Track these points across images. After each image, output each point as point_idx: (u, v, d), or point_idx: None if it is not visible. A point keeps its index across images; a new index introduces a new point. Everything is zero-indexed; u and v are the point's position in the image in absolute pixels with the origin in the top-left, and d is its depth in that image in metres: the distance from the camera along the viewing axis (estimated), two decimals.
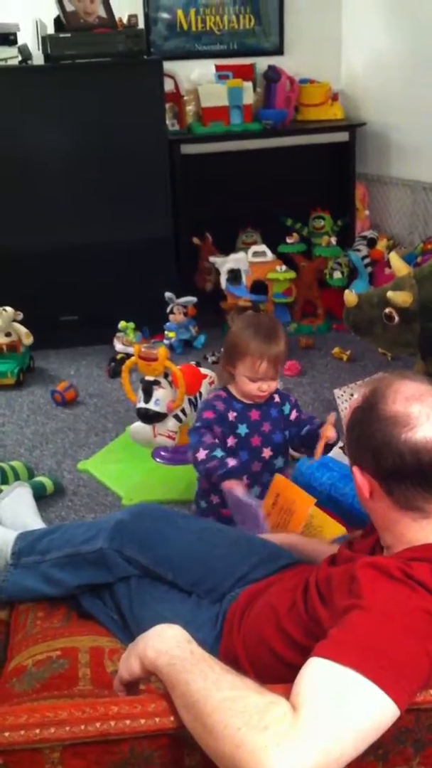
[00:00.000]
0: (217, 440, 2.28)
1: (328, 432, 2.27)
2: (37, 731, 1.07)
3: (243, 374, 2.29)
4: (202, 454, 2.22)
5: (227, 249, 4.65)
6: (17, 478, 2.91)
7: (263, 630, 1.42)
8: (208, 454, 2.22)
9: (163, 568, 1.70)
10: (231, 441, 2.33)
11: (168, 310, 4.26)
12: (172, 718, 1.09)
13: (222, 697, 1.03)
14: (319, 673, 1.06)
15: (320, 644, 1.10)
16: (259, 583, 1.63)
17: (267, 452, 2.37)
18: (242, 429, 2.34)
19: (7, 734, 1.07)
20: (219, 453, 2.21)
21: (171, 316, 4.28)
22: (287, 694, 1.04)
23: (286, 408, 2.40)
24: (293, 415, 2.41)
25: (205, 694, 1.05)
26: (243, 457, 2.33)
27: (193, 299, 4.27)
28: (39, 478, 2.94)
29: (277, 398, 2.41)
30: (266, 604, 1.49)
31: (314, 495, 2.43)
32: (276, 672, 1.28)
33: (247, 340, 2.25)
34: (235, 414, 2.34)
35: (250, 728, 0.97)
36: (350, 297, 3.06)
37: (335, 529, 2.12)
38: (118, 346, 4.15)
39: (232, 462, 2.18)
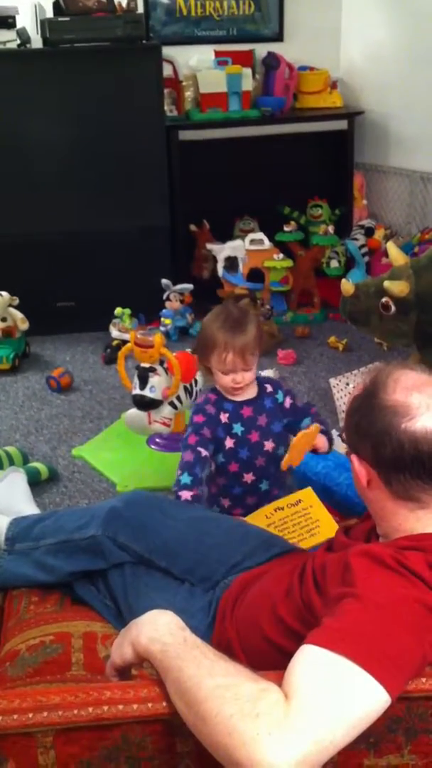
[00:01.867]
0: (198, 454, 2.22)
1: (319, 444, 2.22)
2: (30, 715, 1.07)
3: (215, 367, 2.25)
4: (177, 472, 2.21)
5: (224, 237, 4.64)
6: (12, 463, 2.90)
7: (257, 616, 1.43)
8: (178, 476, 2.19)
9: (157, 555, 1.70)
10: (229, 442, 2.29)
11: (164, 297, 4.26)
12: (164, 704, 1.09)
13: (214, 684, 1.04)
14: (311, 661, 1.06)
15: (313, 632, 1.10)
16: (252, 570, 1.63)
17: (269, 445, 2.33)
18: (237, 428, 2.30)
19: (0, 718, 1.07)
20: (184, 479, 2.17)
21: (167, 303, 4.28)
22: (280, 682, 1.05)
23: (280, 396, 2.38)
24: (287, 402, 2.38)
25: (197, 681, 1.05)
26: (243, 454, 2.30)
27: (189, 286, 4.27)
28: (33, 464, 2.93)
29: (269, 388, 2.37)
30: (261, 590, 1.50)
31: (308, 484, 2.44)
32: (269, 658, 1.29)
33: (214, 332, 2.21)
34: (227, 414, 2.30)
35: (242, 715, 0.98)
36: (347, 286, 3.05)
37: (330, 527, 2.09)
38: (114, 332, 4.14)
39: (185, 495, 2.13)
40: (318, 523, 2.09)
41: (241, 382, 2.25)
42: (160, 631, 1.16)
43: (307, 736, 0.96)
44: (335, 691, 1.01)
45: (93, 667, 1.52)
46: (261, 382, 2.37)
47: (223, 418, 2.29)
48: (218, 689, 1.03)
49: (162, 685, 1.11)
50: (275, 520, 2.15)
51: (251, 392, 2.32)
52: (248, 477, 2.32)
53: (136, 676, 1.29)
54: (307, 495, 2.17)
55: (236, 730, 0.97)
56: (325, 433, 2.30)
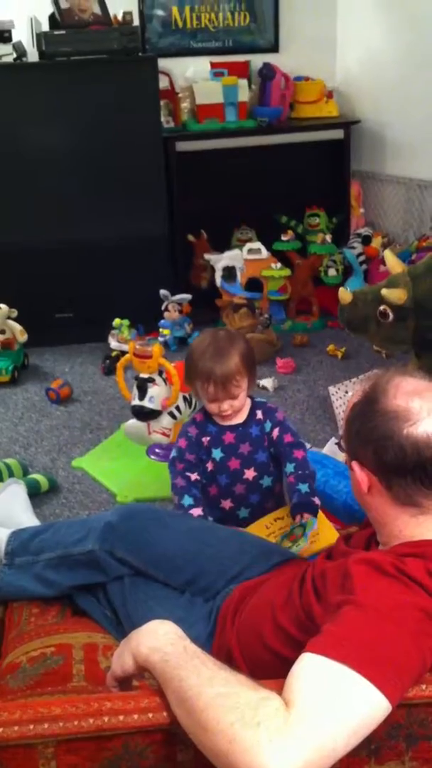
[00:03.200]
0: (188, 479, 2.19)
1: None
2: (31, 727, 1.07)
3: (200, 395, 2.20)
4: (174, 498, 2.19)
5: (222, 246, 4.65)
6: (11, 475, 2.90)
7: (258, 625, 1.43)
8: (178, 500, 2.17)
9: (155, 568, 1.70)
10: (209, 465, 2.23)
11: (163, 307, 4.26)
12: (165, 714, 1.09)
13: (215, 693, 1.04)
14: (311, 669, 1.06)
15: (313, 640, 1.11)
16: (252, 579, 1.63)
17: (250, 473, 2.24)
18: (217, 453, 2.22)
19: (0, 730, 1.07)
20: (186, 501, 2.15)
21: (166, 314, 4.28)
22: (280, 690, 1.05)
23: (268, 425, 2.25)
24: (274, 433, 2.25)
25: (198, 690, 1.05)
26: (222, 480, 2.23)
27: (188, 297, 4.27)
28: (33, 476, 2.93)
29: (259, 414, 2.26)
30: (261, 599, 1.50)
31: None
32: (270, 667, 1.29)
33: (196, 361, 2.15)
34: (208, 438, 2.22)
35: (243, 724, 0.98)
36: (345, 294, 3.06)
37: (330, 534, 2.09)
38: (113, 343, 4.14)
39: (196, 512, 2.12)
40: (318, 531, 2.09)
41: (228, 410, 2.17)
42: (160, 640, 1.17)
43: (308, 744, 0.96)
44: (336, 699, 1.02)
45: (94, 678, 1.52)
46: (255, 406, 2.27)
47: (204, 441, 2.23)
48: (219, 698, 1.03)
49: (162, 694, 1.11)
50: (275, 530, 2.15)
51: (240, 417, 2.24)
52: (226, 503, 2.26)
53: (136, 687, 1.29)
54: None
55: (237, 738, 0.97)
56: (308, 504, 2.15)
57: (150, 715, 1.09)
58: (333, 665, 1.05)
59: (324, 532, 2.09)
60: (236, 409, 2.19)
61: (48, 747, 1.09)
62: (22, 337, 3.93)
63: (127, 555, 1.71)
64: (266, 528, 2.14)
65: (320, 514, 2.14)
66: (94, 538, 1.74)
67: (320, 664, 1.06)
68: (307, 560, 1.73)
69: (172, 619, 1.23)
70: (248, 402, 2.26)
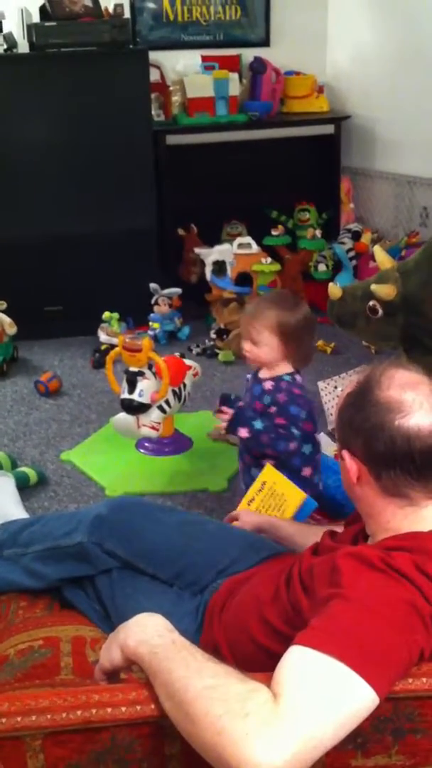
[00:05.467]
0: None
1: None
2: (19, 719, 1.07)
3: None
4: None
5: (212, 241, 4.64)
6: (0, 468, 2.90)
7: (245, 619, 1.43)
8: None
9: (143, 561, 1.70)
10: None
11: (152, 301, 4.26)
12: (153, 707, 1.09)
13: (203, 685, 1.04)
14: (299, 661, 1.07)
15: (301, 633, 1.11)
16: (240, 574, 1.63)
17: (243, 432, 2.34)
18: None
19: None
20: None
21: (156, 308, 4.28)
22: (269, 683, 1.05)
23: (267, 399, 2.35)
24: (258, 405, 2.37)
25: (186, 683, 1.05)
26: None
27: (177, 291, 4.27)
28: (22, 469, 2.93)
29: (268, 385, 2.35)
30: (248, 593, 1.50)
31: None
32: (257, 661, 1.29)
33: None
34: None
35: (232, 716, 0.98)
36: (334, 290, 3.06)
37: (296, 495, 2.12)
38: (103, 336, 4.14)
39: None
40: (284, 497, 2.12)
41: (246, 349, 2.37)
42: (148, 633, 1.17)
43: (296, 735, 0.97)
44: (323, 691, 1.02)
45: (82, 671, 1.52)
46: (278, 380, 2.37)
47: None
48: (207, 690, 1.03)
49: (150, 687, 1.11)
50: (258, 503, 2.17)
51: (262, 373, 2.41)
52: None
53: (124, 680, 1.29)
54: (268, 473, 2.20)
55: (225, 730, 0.97)
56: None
57: (138, 707, 1.09)
58: (321, 657, 1.05)
59: (290, 497, 2.11)
60: (253, 357, 2.37)
61: (36, 739, 1.09)
62: (11, 329, 3.92)
63: (116, 547, 1.71)
64: (249, 504, 2.15)
65: (281, 478, 2.17)
66: (83, 531, 1.73)
67: (308, 657, 1.06)
68: (294, 554, 1.73)
69: (160, 613, 1.23)
70: (278, 371, 2.38)
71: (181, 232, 4.74)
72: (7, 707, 1.08)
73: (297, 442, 2.34)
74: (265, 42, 4.91)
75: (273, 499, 2.14)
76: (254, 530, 1.88)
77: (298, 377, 2.40)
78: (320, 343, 4.14)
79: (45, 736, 1.08)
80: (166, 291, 4.25)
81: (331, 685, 1.03)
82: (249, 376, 2.51)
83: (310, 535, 1.76)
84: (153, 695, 1.10)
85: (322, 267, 4.62)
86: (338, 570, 1.20)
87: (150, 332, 4.13)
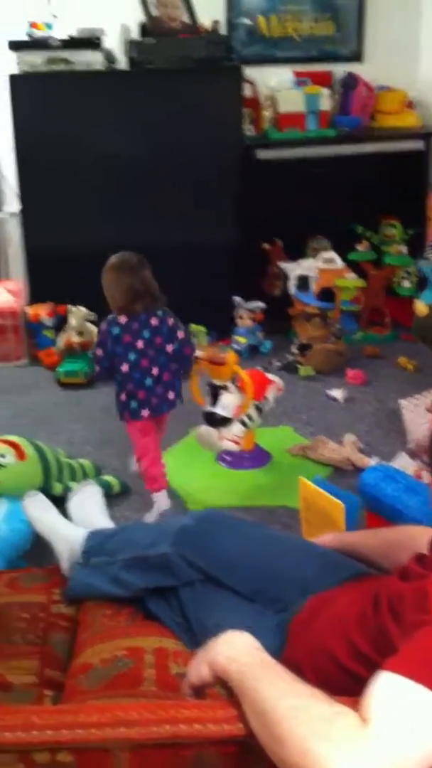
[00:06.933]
0: None
1: None
2: (108, 730, 1.10)
3: None
4: None
5: (296, 255, 4.65)
6: (85, 476, 2.97)
7: (329, 641, 1.43)
8: None
9: (225, 575, 1.72)
10: None
11: (235, 314, 4.29)
12: (240, 726, 1.10)
13: (290, 706, 1.05)
14: (388, 688, 1.06)
15: (390, 659, 1.11)
16: (323, 593, 1.64)
17: None
18: None
19: (79, 731, 1.10)
20: None
21: (238, 321, 4.31)
22: (354, 707, 1.05)
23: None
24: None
25: (273, 703, 1.07)
26: None
27: (261, 304, 4.29)
28: (105, 477, 2.99)
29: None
30: (333, 614, 1.50)
31: (378, 507, 2.44)
32: (339, 682, 1.29)
33: None
34: None
35: (317, 738, 0.99)
36: (421, 307, 3.05)
37: (335, 504, 2.11)
38: None
39: None
40: (325, 507, 2.13)
41: None
42: (237, 651, 1.19)
43: (382, 762, 0.97)
44: (412, 720, 1.02)
45: (164, 683, 1.54)
46: None
47: None
48: (294, 710, 1.04)
49: (238, 706, 1.12)
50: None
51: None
52: None
53: (207, 695, 1.31)
54: (304, 487, 2.20)
55: (311, 752, 0.98)
56: None
57: (225, 726, 1.11)
58: (410, 685, 1.04)
59: (327, 504, 2.12)
60: None
61: (123, 751, 1.11)
62: None
63: (199, 560, 1.73)
64: (308, 525, 2.17)
65: (316, 489, 2.19)
66: (168, 542, 1.76)
67: (397, 684, 1.06)
68: (377, 576, 1.73)
69: (243, 629, 1.25)
70: None
71: (265, 246, 4.76)
72: (97, 718, 1.11)
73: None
74: (357, 57, 4.90)
75: (323, 515, 2.14)
76: (333, 548, 1.88)
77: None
78: (402, 360, 4.11)
79: (132, 748, 1.11)
80: (250, 305, 4.28)
81: (419, 714, 1.02)
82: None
83: (389, 554, 1.75)
84: (241, 714, 1.11)
85: (406, 283, 4.58)
86: (428, 596, 1.20)
87: (235, 346, 4.16)
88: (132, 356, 2.77)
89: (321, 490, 2.18)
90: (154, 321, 2.82)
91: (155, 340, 2.80)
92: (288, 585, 1.69)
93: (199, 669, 1.22)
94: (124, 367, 2.77)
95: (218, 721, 1.11)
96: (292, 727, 1.02)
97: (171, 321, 2.86)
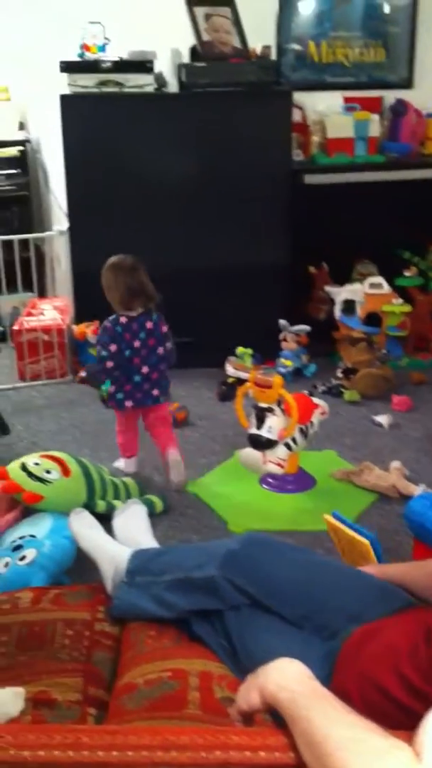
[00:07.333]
0: None
1: None
2: (159, 753, 1.08)
3: None
4: None
5: (342, 279, 4.64)
6: (129, 494, 2.97)
7: (380, 672, 1.41)
8: None
9: (272, 600, 1.70)
10: None
11: (281, 337, 4.28)
12: (291, 755, 1.08)
13: (344, 737, 1.03)
14: None
15: None
16: (373, 623, 1.61)
17: None
18: None
19: (129, 753, 1.09)
20: None
21: (283, 344, 4.30)
22: (409, 741, 1.03)
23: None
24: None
25: (326, 733, 1.04)
26: None
27: (306, 328, 4.28)
28: (149, 497, 2.99)
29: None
30: (383, 645, 1.48)
31: (426, 535, 2.40)
32: (388, 714, 1.27)
33: None
34: None
35: None
36: None
37: (361, 541, 2.07)
38: (230, 370, 4.18)
39: None
40: (352, 542, 2.08)
41: None
42: (289, 679, 1.17)
43: None
44: None
45: (209, 707, 1.52)
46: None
47: None
48: (347, 742, 1.02)
49: (289, 734, 1.10)
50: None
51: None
52: None
53: (255, 722, 1.29)
54: (330, 526, 2.16)
55: None
56: None
57: (276, 754, 1.08)
58: None
59: (354, 539, 2.06)
60: None
61: None
62: None
63: (246, 584, 1.71)
64: (344, 558, 2.13)
65: (339, 526, 2.14)
66: (215, 565, 1.75)
67: None
68: (428, 609, 1.70)
69: (290, 655, 1.23)
70: None
71: (311, 269, 4.76)
72: (148, 741, 1.09)
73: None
74: (407, 83, 4.90)
75: (354, 548, 2.11)
76: (382, 578, 1.85)
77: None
78: None
79: None
80: (295, 327, 4.27)
81: None
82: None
83: None
84: (291, 742, 1.09)
85: None
86: None
87: (282, 369, 4.15)
88: (127, 353, 3.12)
89: (344, 527, 2.15)
90: (149, 324, 3.16)
91: (149, 342, 3.16)
92: (336, 613, 1.66)
93: (248, 695, 1.21)
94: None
95: (269, 748, 1.09)
96: (345, 759, 1.00)
97: (165, 328, 3.22)
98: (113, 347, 3.10)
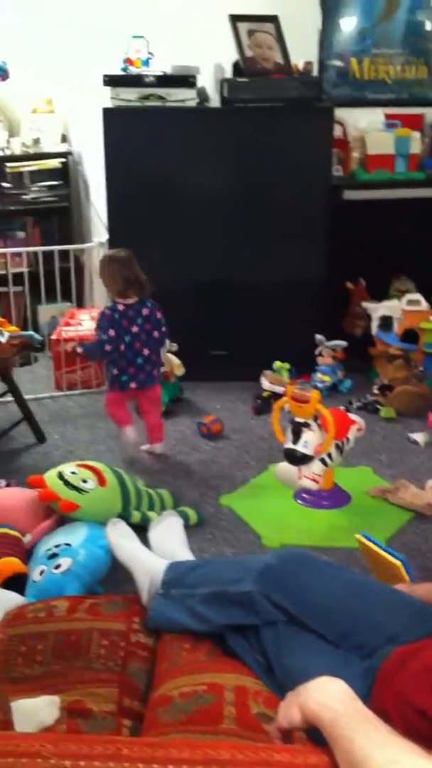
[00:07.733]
0: None
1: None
2: None
3: None
4: None
5: (379, 295, 4.62)
6: (163, 506, 2.98)
7: (419, 693, 1.39)
8: None
9: (310, 617, 1.69)
10: None
11: (317, 352, 4.27)
12: None
13: (386, 759, 1.02)
14: None
15: None
16: (411, 644, 1.59)
17: None
18: None
19: (170, 767, 1.08)
20: None
21: (319, 359, 4.29)
22: None
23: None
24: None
25: (368, 754, 1.03)
26: None
27: (343, 343, 4.27)
28: (183, 509, 2.99)
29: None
30: (422, 666, 1.46)
31: None
32: (427, 735, 1.25)
33: None
34: None
35: None
36: None
37: (393, 562, 2.05)
38: (265, 383, 4.18)
39: None
40: (382, 563, 2.05)
41: None
42: (331, 698, 1.16)
43: None
44: None
45: (245, 722, 1.51)
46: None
47: None
48: (389, 764, 1.01)
49: (330, 753, 1.09)
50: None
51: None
52: None
53: (294, 740, 1.28)
54: (362, 546, 2.14)
55: None
56: None
57: None
58: None
59: (386, 560, 2.03)
60: None
61: None
62: (179, 371, 4.04)
63: (284, 601, 1.70)
64: (377, 577, 2.11)
65: (371, 546, 2.11)
66: (252, 580, 1.74)
67: None
68: None
69: (328, 673, 1.22)
70: None
71: (349, 285, 4.74)
72: (188, 755, 1.09)
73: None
74: None
75: (386, 569, 2.08)
76: (419, 599, 1.83)
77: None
78: None
79: None
80: (331, 343, 4.26)
81: None
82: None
83: None
84: (333, 762, 1.08)
85: None
86: None
87: (319, 384, 4.14)
88: (127, 338, 3.34)
89: (376, 547, 2.13)
90: (145, 311, 3.38)
91: (146, 326, 3.37)
92: (375, 632, 1.65)
93: (289, 712, 1.20)
94: (121, 347, 3.34)
95: (311, 767, 1.08)
96: None
97: (159, 314, 3.42)
98: (112, 332, 3.31)
